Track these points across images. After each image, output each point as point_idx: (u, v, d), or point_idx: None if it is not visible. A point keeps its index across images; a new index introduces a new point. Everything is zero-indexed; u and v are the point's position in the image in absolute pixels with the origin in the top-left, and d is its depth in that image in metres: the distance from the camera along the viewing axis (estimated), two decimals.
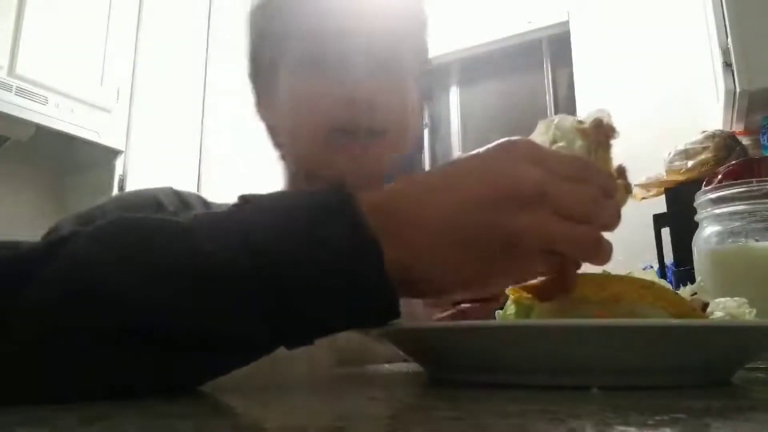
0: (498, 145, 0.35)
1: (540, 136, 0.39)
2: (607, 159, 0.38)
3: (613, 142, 0.38)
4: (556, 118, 0.39)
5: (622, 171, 0.38)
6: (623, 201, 0.37)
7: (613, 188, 0.34)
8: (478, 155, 0.35)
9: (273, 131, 0.69)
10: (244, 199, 0.33)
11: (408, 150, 0.66)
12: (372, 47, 0.61)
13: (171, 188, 0.63)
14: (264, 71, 0.67)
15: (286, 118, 0.64)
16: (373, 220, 0.30)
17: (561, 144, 0.38)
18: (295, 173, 0.67)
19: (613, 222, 0.33)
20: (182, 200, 0.61)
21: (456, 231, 0.32)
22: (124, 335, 0.29)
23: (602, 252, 0.32)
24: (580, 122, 0.38)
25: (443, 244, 0.32)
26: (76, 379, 0.29)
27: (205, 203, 0.64)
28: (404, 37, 0.65)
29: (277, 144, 0.70)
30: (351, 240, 0.30)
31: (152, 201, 0.58)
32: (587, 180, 0.33)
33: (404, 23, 0.65)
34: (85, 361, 0.29)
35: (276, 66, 0.65)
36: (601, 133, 0.37)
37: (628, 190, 0.38)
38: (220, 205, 0.65)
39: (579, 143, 0.37)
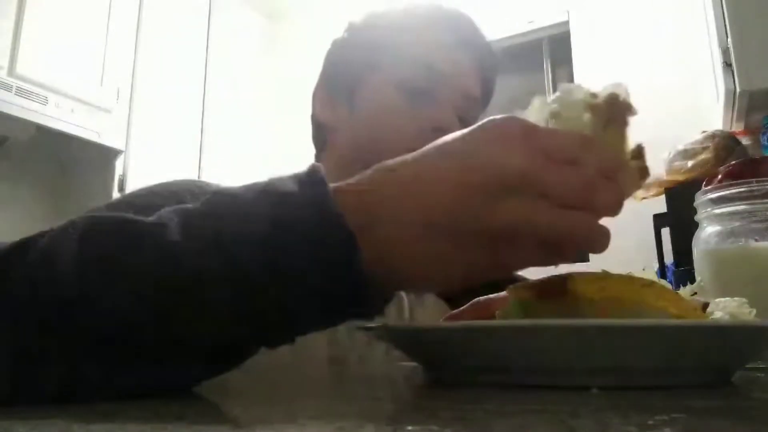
0: (481, 125, 0.32)
1: (534, 113, 0.35)
2: (622, 138, 0.34)
3: (630, 120, 0.34)
4: (564, 88, 0.35)
5: (640, 151, 0.34)
6: (638, 184, 0.33)
7: (615, 169, 0.31)
8: (460, 137, 0.32)
9: (324, 127, 0.71)
10: (216, 193, 0.32)
11: None
12: (467, 83, 0.68)
13: (205, 184, 0.61)
14: (345, 75, 0.69)
15: (362, 126, 0.66)
16: (349, 214, 0.29)
17: (562, 118, 0.34)
18: (348, 163, 0.63)
19: (613, 206, 0.30)
20: None
21: (438, 223, 0.30)
22: (101, 340, 0.29)
23: (597, 240, 0.30)
24: (593, 95, 0.34)
25: (424, 237, 0.30)
26: (37, 381, 0.29)
27: None
28: (491, 78, 0.72)
29: (321, 138, 0.72)
30: (325, 236, 0.29)
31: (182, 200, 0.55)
32: (584, 160, 0.30)
33: (491, 64, 0.72)
34: (45, 363, 0.28)
35: (363, 76, 0.68)
36: (616, 109, 0.34)
37: (644, 173, 0.34)
38: None
39: (587, 117, 0.34)
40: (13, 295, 0.29)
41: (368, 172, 0.33)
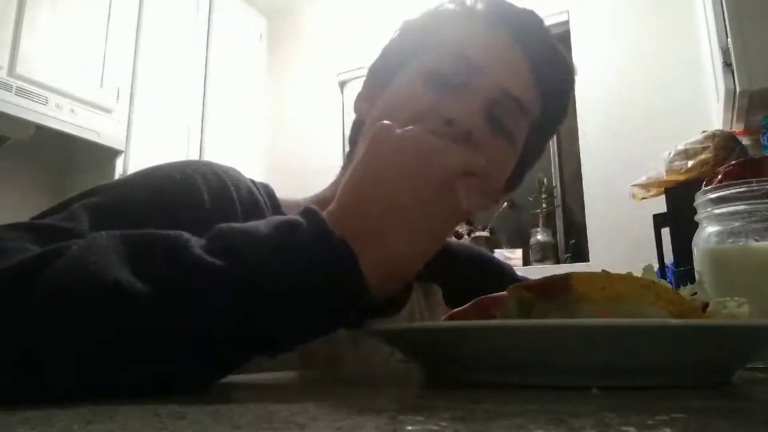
0: (373, 135, 0.43)
1: None
2: None
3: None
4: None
5: None
6: None
7: None
8: (383, 145, 0.42)
9: (358, 122, 0.68)
10: (221, 231, 0.35)
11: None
12: (506, 79, 0.60)
13: (215, 164, 0.57)
14: (385, 70, 0.66)
15: (378, 118, 0.63)
16: (338, 229, 0.36)
17: None
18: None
19: None
20: (223, 193, 0.53)
21: (415, 204, 0.39)
22: (117, 340, 0.30)
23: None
24: None
25: (407, 226, 0.38)
26: (73, 382, 0.30)
27: (251, 192, 0.59)
28: (550, 83, 0.63)
29: (356, 134, 0.69)
30: (326, 237, 0.35)
31: (190, 190, 0.51)
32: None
33: (551, 67, 0.64)
34: (82, 364, 0.30)
35: (398, 70, 0.64)
36: None
37: None
38: (285, 201, 0.63)
39: None
40: (45, 304, 0.30)
41: (337, 200, 0.40)
